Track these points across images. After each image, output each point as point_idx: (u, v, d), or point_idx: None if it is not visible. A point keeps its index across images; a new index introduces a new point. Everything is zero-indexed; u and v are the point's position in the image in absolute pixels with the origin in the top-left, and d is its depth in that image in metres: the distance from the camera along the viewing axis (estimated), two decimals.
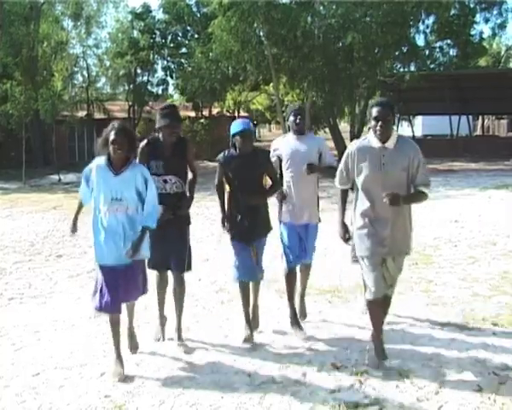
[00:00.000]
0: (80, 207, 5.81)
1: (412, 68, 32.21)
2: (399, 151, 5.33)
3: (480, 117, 47.63)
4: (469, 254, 9.82)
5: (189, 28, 40.11)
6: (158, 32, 40.39)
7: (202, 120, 41.38)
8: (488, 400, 4.79)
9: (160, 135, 6.11)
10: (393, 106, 5.47)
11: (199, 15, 38.45)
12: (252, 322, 6.39)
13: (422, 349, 5.84)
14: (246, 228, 6.09)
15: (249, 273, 6.22)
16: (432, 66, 32.72)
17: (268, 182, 6.39)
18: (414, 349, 5.86)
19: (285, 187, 6.45)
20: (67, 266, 10.12)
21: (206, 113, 42.97)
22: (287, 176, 6.46)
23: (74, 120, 33.93)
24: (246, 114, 48.30)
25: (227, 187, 6.31)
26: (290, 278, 6.52)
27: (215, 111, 43.84)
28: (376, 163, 5.34)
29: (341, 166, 5.59)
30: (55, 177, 28.03)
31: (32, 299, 8.23)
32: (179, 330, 6.19)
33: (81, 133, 37.39)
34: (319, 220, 6.66)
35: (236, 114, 44.40)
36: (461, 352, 5.77)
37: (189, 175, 6.29)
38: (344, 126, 43.69)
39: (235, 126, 6.10)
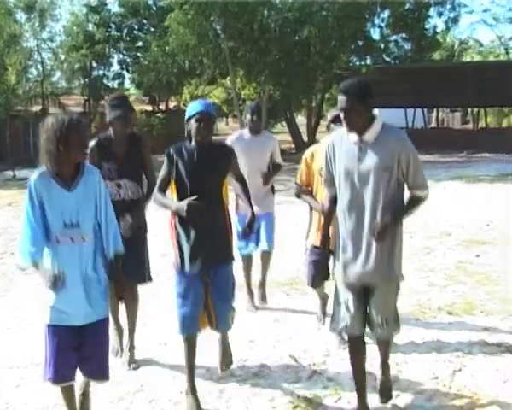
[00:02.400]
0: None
1: (368, 62, 32.60)
2: (381, 145, 4.14)
3: (435, 110, 48.25)
4: (425, 245, 9.98)
5: (145, 21, 39.76)
6: (113, 26, 39.93)
7: (159, 114, 41.09)
8: (444, 387, 4.89)
9: (111, 132, 5.50)
10: (363, 91, 4.15)
11: (155, 8, 38.16)
12: (222, 360, 5.14)
13: None
14: (198, 250, 4.61)
15: (195, 323, 4.74)
16: (387, 59, 33.14)
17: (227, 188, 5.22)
18: (371, 340, 5.92)
19: None
20: None
21: (162, 107, 42.69)
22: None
23: (29, 115, 33.31)
24: None
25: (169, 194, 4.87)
26: (245, 264, 7.04)
27: (172, 105, 43.60)
28: (351, 160, 4.20)
29: (324, 165, 4.48)
30: (10, 173, 27.46)
31: None
32: (131, 347, 5.68)
33: (36, 128, 36.39)
34: (273, 210, 7.03)
35: None
36: (417, 341, 5.86)
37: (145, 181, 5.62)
38: (301, 120, 43.86)
39: (192, 108, 4.70)
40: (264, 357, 5.63)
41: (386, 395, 4.60)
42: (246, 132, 6.93)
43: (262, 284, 7.23)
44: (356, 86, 4.15)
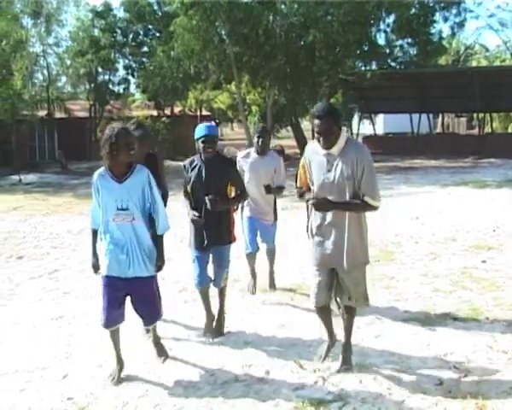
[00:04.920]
0: (95, 234, 5.41)
1: (373, 67, 32.58)
2: (344, 157, 4.97)
3: (440, 115, 48.22)
4: (430, 251, 9.94)
5: (150, 27, 39.85)
6: (119, 31, 40.06)
7: (164, 119, 41.13)
8: (449, 393, 4.86)
9: None
10: (336, 114, 5.03)
11: (160, 14, 38.20)
12: (215, 325, 6.48)
13: (385, 345, 5.90)
14: (204, 235, 6.18)
15: (205, 280, 6.37)
16: (392, 64, 33.09)
17: (232, 192, 6.52)
18: (376, 345, 5.92)
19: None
20: (28, 267, 9.98)
21: (168, 112, 42.79)
22: (247, 186, 7.14)
23: (34, 120, 33.40)
24: (208, 113, 48.24)
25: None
26: (249, 258, 7.87)
27: (177, 110, 43.70)
28: (321, 170, 5.09)
29: (302, 172, 5.43)
30: (16, 177, 27.55)
31: None
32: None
33: (42, 133, 36.90)
34: (275, 219, 7.96)
35: (198, 113, 44.33)
36: (422, 347, 5.84)
37: None
38: (306, 125, 43.84)
39: (198, 131, 6.17)
40: (269, 362, 5.62)
41: (347, 361, 5.33)
42: (253, 152, 7.76)
43: (270, 274, 8.07)
44: (329, 110, 4.99)
